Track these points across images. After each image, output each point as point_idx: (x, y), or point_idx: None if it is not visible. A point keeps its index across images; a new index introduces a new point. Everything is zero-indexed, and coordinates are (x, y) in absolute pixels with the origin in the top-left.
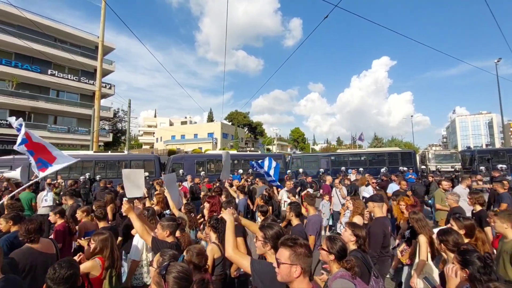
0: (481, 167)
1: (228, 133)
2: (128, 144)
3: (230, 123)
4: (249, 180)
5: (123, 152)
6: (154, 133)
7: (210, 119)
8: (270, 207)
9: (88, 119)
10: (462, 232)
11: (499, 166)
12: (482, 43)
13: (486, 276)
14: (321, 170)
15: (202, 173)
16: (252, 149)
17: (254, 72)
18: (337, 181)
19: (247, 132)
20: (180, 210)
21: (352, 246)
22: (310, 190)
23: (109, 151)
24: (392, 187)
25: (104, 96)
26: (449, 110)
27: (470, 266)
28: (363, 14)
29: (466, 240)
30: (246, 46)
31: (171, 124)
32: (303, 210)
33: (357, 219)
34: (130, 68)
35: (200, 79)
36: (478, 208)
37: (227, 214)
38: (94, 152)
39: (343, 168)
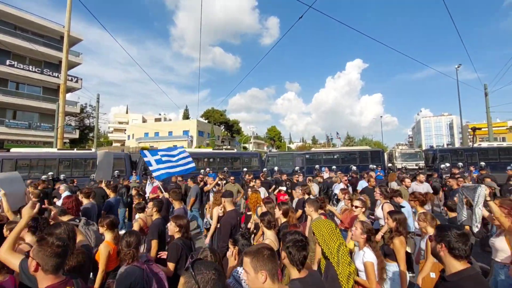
0: (441, 165)
1: (204, 131)
2: (96, 141)
3: (206, 121)
4: (224, 178)
5: (91, 149)
6: (125, 130)
7: (186, 116)
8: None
9: (51, 114)
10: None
11: (459, 164)
12: (446, 49)
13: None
14: (296, 168)
15: None
16: (229, 147)
17: (232, 69)
18: (308, 179)
19: (223, 130)
20: (17, 213)
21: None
22: (283, 188)
23: (75, 149)
24: (362, 184)
25: (70, 90)
26: (415, 111)
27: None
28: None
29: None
30: (223, 42)
31: (144, 121)
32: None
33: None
34: (101, 62)
35: (177, 75)
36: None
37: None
38: (58, 149)
39: (317, 166)
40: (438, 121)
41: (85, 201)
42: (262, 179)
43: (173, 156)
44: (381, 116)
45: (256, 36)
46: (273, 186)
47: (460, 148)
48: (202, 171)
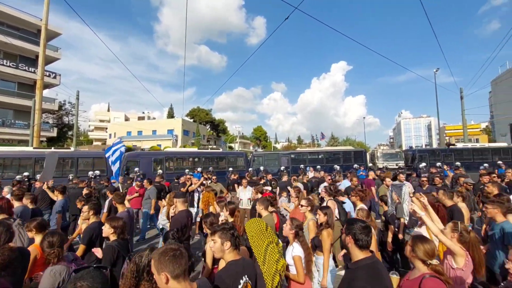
0: (420, 165)
1: (190, 130)
2: (76, 140)
3: (191, 120)
4: (209, 178)
5: (70, 148)
6: (106, 128)
7: (171, 115)
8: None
9: (27, 111)
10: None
11: (437, 163)
12: (425, 54)
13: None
14: (282, 168)
15: (160, 171)
16: (214, 146)
17: (217, 68)
18: (292, 178)
19: (209, 129)
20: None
21: (112, 237)
22: (268, 188)
23: (53, 147)
24: (345, 183)
25: (47, 86)
26: (396, 113)
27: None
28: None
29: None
30: (209, 41)
31: (126, 119)
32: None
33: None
34: (82, 57)
35: (162, 73)
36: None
37: None
38: (34, 148)
39: (301, 165)
40: (417, 123)
41: (17, 204)
42: (248, 178)
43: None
44: (364, 117)
45: (242, 35)
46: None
47: (437, 149)
48: (187, 170)
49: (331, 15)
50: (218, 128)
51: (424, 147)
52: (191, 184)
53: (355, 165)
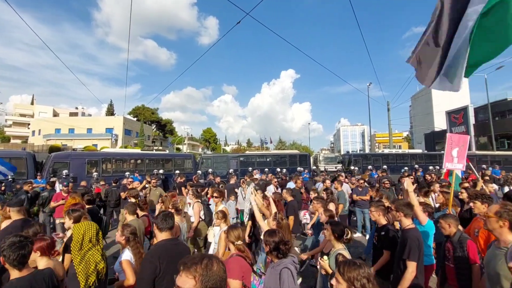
0: (354, 168)
1: (132, 129)
2: None
3: (135, 119)
4: (149, 181)
5: None
6: (29, 124)
7: (110, 112)
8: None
9: None
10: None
11: (369, 167)
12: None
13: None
14: (230, 170)
15: (95, 174)
16: (160, 148)
17: (166, 65)
18: (242, 181)
19: (155, 129)
20: None
21: None
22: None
23: None
24: (290, 185)
25: None
26: (336, 120)
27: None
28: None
29: None
30: (157, 36)
31: (55, 114)
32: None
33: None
34: (1, 41)
35: (101, 65)
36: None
37: None
38: None
39: (250, 168)
40: (353, 130)
41: None
42: (195, 181)
43: None
44: (309, 123)
45: (194, 33)
46: (206, 189)
47: (368, 154)
48: (127, 173)
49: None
50: (165, 128)
51: (358, 152)
52: (132, 189)
53: (299, 168)
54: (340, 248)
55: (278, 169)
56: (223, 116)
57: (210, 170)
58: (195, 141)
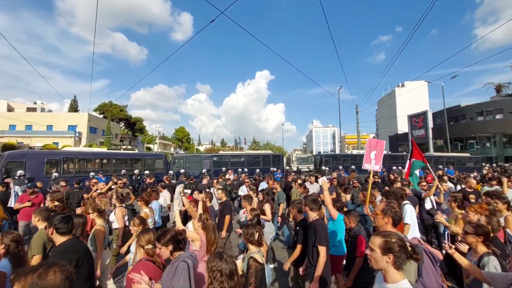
0: (324, 168)
1: (98, 127)
2: None
3: (101, 116)
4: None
5: None
6: None
7: (74, 108)
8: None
9: None
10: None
11: (340, 167)
12: (332, 73)
13: None
14: (204, 170)
15: (55, 174)
16: (129, 147)
17: (136, 60)
18: (215, 181)
19: (123, 128)
20: None
21: None
22: (188, 191)
23: None
24: (263, 185)
25: None
26: (309, 122)
27: None
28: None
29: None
30: (127, 29)
31: (10, 109)
32: None
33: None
34: None
35: (64, 58)
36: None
37: None
38: None
39: (224, 168)
40: (325, 131)
41: None
42: (167, 182)
43: None
44: (282, 124)
45: (167, 29)
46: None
47: (338, 154)
48: (91, 174)
49: (259, 26)
50: (134, 127)
51: (329, 152)
52: (96, 190)
53: (272, 168)
54: (253, 251)
55: (257, 170)
56: (197, 115)
57: (182, 170)
58: (167, 141)
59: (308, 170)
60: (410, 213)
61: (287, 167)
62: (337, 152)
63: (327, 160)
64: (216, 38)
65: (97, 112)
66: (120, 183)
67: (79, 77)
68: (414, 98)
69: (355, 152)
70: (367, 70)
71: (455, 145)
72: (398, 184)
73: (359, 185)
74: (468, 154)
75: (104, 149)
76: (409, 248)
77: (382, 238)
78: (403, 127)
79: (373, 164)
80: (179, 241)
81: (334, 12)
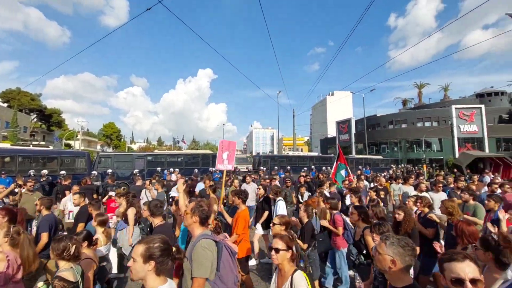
0: (262, 168)
1: (1, 118)
2: None
3: (5, 105)
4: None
5: None
6: None
7: None
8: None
9: None
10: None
11: (275, 167)
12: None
13: None
14: (136, 171)
15: None
16: (42, 143)
17: (56, 43)
18: (147, 182)
19: (35, 120)
20: None
21: None
22: (112, 193)
23: None
24: (199, 186)
25: None
26: (250, 123)
27: None
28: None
29: None
30: (44, 5)
31: None
32: None
33: None
34: None
35: None
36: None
37: None
38: None
39: (158, 168)
40: (264, 133)
41: None
42: (82, 184)
43: None
44: (224, 124)
45: (96, 11)
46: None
47: (275, 155)
48: None
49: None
50: (50, 119)
51: (268, 153)
52: None
53: (211, 168)
54: (64, 268)
55: (196, 170)
56: (130, 110)
57: (109, 170)
58: (93, 137)
59: (247, 170)
60: (282, 209)
61: None
62: (275, 153)
63: (265, 161)
64: (155, 31)
65: (1, 99)
66: (29, 186)
67: None
68: (342, 106)
69: (291, 153)
70: (304, 78)
71: (371, 149)
72: (327, 184)
73: (291, 184)
74: (381, 157)
75: (7, 145)
76: (174, 249)
77: (144, 245)
78: (332, 131)
79: (226, 164)
80: None
81: (276, 20)
